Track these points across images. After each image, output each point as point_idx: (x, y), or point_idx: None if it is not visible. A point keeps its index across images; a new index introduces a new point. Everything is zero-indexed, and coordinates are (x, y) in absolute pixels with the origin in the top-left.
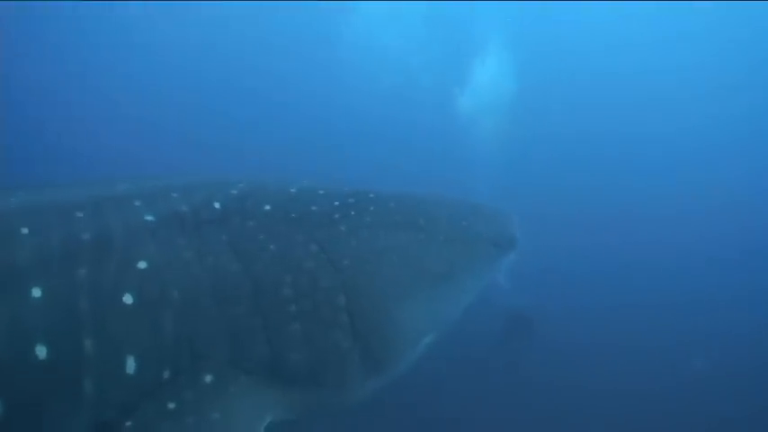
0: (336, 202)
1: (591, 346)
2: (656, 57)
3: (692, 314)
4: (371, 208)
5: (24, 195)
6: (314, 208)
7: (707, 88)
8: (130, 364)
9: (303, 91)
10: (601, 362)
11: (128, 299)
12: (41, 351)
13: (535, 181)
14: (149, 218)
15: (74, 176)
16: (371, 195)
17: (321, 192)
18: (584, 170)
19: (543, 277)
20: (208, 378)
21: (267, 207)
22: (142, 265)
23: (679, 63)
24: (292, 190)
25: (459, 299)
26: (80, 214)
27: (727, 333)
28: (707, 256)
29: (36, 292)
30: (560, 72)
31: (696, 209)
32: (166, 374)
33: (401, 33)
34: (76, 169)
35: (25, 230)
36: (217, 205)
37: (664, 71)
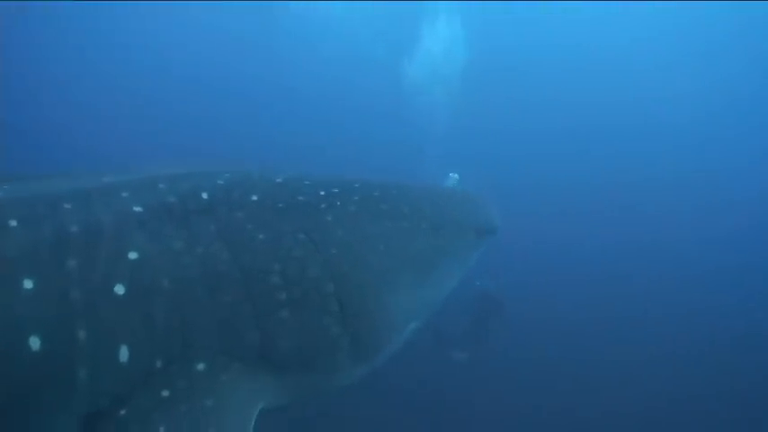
0: (322, 192)
1: (559, 326)
2: (610, 28)
3: (660, 293)
4: (356, 197)
5: (10, 187)
6: (300, 198)
7: (655, 61)
8: (123, 354)
9: (246, 60)
10: (569, 340)
11: (119, 289)
12: (35, 342)
13: (486, 151)
14: (137, 209)
15: (57, 168)
16: (356, 185)
17: (307, 182)
18: (542, 143)
19: (512, 260)
20: (200, 366)
21: (254, 197)
22: (133, 255)
23: (635, 35)
24: (278, 180)
25: (443, 286)
26: (68, 206)
27: (696, 308)
28: (675, 237)
29: (28, 284)
30: (511, 42)
31: (662, 183)
32: (159, 363)
33: (349, 4)
34: (58, 162)
35: (14, 222)
36: (204, 195)
37: (617, 42)
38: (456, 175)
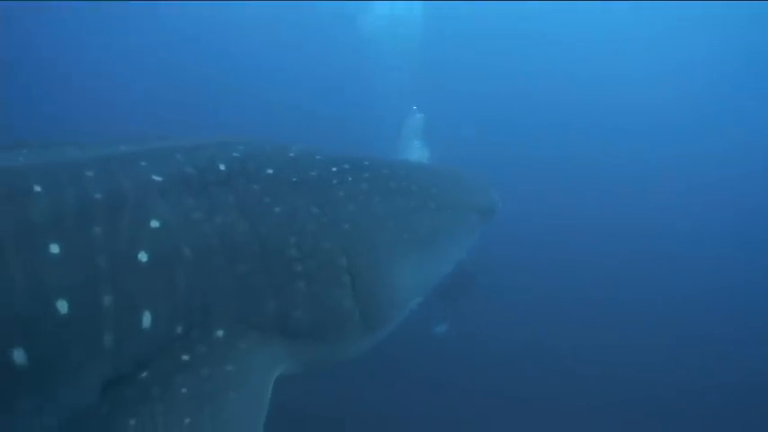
0: (334, 168)
1: (530, 302)
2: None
3: (629, 275)
4: (366, 175)
5: (30, 154)
6: (313, 173)
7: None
8: (146, 319)
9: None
10: (539, 317)
11: (142, 256)
12: (63, 306)
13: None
14: (157, 178)
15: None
16: (366, 162)
17: (318, 157)
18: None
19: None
20: (219, 333)
21: (269, 171)
22: (155, 223)
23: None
24: (291, 154)
25: (445, 263)
26: (90, 173)
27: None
28: (667, 217)
29: (54, 249)
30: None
31: (634, 159)
32: (180, 329)
33: None
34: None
35: (38, 188)
36: (221, 167)
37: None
38: (416, 109)
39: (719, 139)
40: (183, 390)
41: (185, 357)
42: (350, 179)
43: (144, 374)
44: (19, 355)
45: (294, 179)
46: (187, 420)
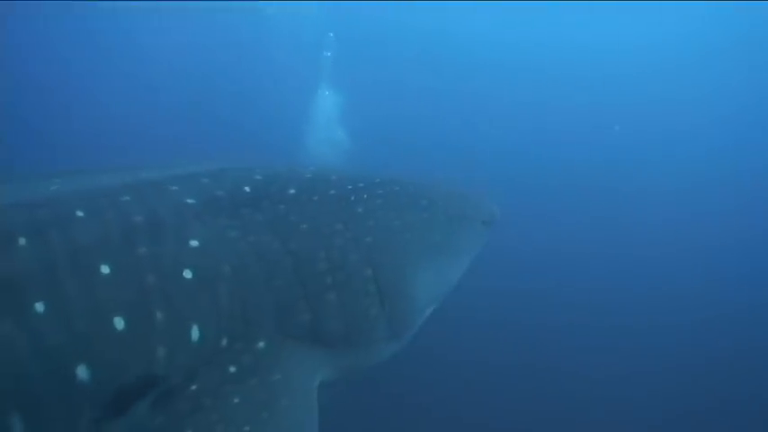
0: (349, 186)
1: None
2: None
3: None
4: (380, 191)
5: (62, 181)
6: (332, 192)
7: None
8: (195, 333)
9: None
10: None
11: (187, 274)
12: (119, 322)
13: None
14: (191, 201)
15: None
16: (377, 180)
17: (333, 177)
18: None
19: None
20: (261, 344)
21: (292, 191)
22: (194, 243)
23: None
24: (308, 175)
25: (457, 271)
26: (126, 198)
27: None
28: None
29: (105, 269)
30: None
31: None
32: (224, 342)
33: None
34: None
35: (81, 213)
36: (247, 189)
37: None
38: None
39: (753, 162)
40: (236, 399)
41: (232, 369)
42: (365, 196)
43: (194, 387)
44: (82, 372)
45: (315, 198)
46: (246, 429)
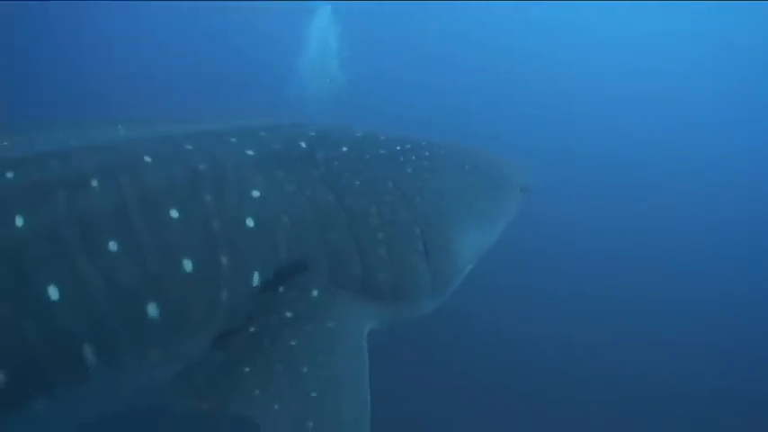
0: (398, 147)
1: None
2: None
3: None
4: (427, 153)
5: (127, 129)
6: (382, 151)
7: None
8: (255, 278)
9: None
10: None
11: (249, 222)
12: (188, 264)
13: None
14: (250, 152)
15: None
16: (423, 143)
17: (382, 137)
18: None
19: None
20: (315, 293)
21: (344, 149)
22: (255, 193)
23: None
24: (358, 134)
25: (494, 234)
26: (190, 147)
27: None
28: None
29: (174, 213)
30: None
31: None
32: (282, 288)
33: None
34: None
35: (148, 159)
36: (303, 144)
37: None
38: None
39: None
40: (293, 342)
41: (289, 314)
42: (413, 157)
43: (253, 329)
44: (152, 309)
45: (367, 156)
46: (304, 369)
